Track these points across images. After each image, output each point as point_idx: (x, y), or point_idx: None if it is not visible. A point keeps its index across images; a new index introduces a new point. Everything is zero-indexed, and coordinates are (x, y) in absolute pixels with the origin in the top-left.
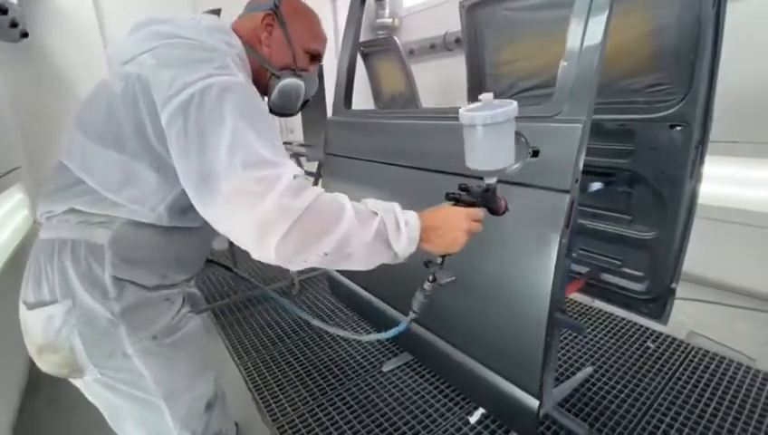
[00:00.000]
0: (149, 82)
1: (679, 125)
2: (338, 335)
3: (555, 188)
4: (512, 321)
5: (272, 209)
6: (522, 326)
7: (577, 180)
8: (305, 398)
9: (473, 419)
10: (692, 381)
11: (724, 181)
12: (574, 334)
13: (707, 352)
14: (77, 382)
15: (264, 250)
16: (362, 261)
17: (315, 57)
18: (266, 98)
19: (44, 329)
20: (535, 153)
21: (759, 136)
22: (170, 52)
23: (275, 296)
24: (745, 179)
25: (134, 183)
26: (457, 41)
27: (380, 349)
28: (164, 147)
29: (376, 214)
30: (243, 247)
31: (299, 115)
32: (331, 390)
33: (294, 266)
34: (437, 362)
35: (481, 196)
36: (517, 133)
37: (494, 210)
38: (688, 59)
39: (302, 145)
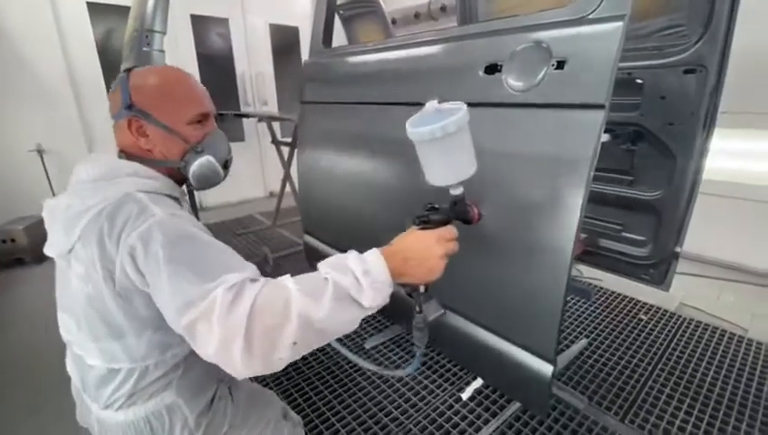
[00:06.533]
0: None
1: (694, 69)
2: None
3: (586, 104)
4: (523, 271)
5: (220, 335)
6: (536, 277)
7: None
8: (278, 377)
9: (465, 395)
10: (687, 351)
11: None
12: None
13: (699, 322)
14: None
15: (238, 369)
16: (338, 330)
17: (203, 118)
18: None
19: None
20: (560, 64)
21: (741, 106)
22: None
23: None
24: (732, 151)
25: (154, 345)
26: (443, 8)
27: (362, 325)
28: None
29: (326, 279)
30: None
31: (272, 85)
32: (308, 368)
33: (276, 367)
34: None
35: (450, 211)
36: (539, 43)
37: (467, 221)
38: None
39: (276, 118)
